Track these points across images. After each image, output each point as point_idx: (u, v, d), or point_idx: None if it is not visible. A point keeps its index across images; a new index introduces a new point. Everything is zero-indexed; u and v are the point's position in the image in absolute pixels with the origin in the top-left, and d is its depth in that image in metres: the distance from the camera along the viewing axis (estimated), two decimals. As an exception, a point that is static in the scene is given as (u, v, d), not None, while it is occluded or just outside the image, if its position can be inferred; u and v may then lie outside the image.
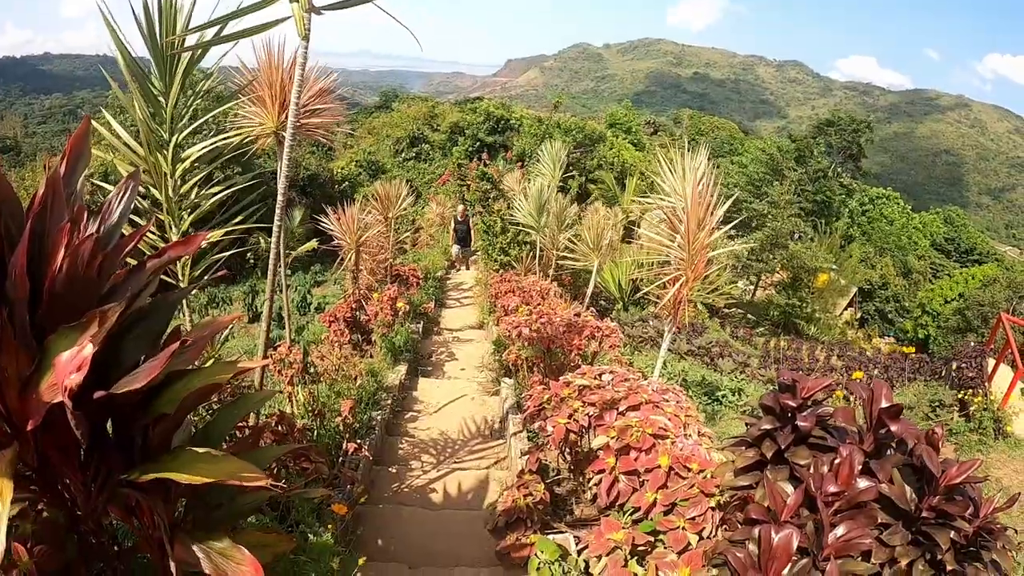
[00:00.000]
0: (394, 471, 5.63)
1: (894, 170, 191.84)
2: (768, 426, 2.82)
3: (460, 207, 17.86)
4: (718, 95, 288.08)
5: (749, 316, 31.16)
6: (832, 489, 2.40)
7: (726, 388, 10.19)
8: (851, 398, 7.70)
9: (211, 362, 4.66)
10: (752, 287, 35.14)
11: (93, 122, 3.77)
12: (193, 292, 18.47)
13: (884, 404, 2.58)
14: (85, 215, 2.12)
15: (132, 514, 2.18)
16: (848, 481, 2.42)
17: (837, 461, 2.49)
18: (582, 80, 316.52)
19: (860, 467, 2.49)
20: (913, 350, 22.23)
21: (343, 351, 7.18)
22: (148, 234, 4.73)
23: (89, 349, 1.71)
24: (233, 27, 3.90)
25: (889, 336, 43.12)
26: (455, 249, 17.99)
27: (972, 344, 17.70)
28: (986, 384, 12.66)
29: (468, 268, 18.22)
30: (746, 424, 3.03)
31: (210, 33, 4.16)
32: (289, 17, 3.82)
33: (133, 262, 2.35)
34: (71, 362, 1.70)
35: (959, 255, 57.32)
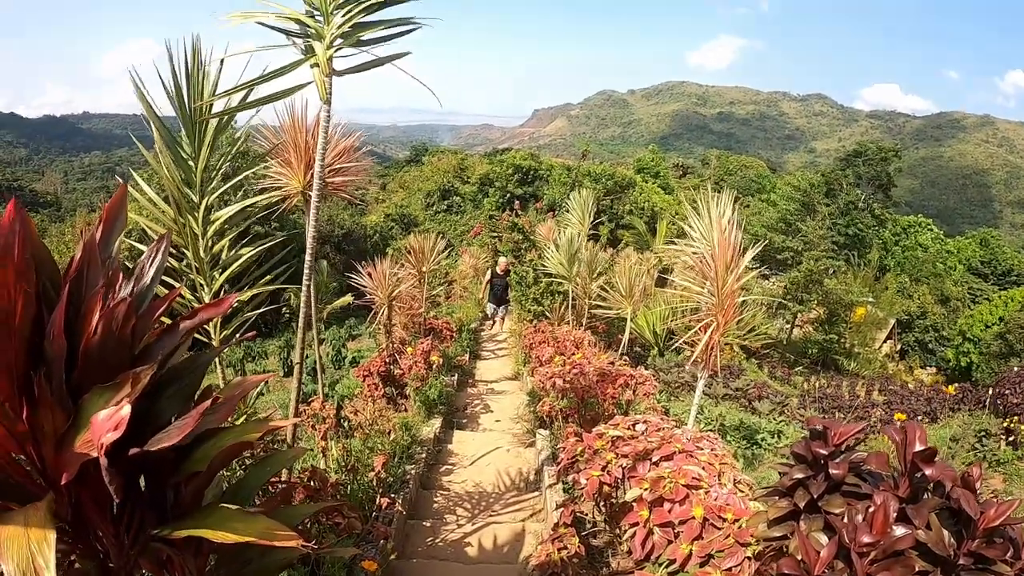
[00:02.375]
0: (428, 525, 5.60)
1: (925, 196, 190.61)
2: (800, 475, 2.77)
3: (501, 260, 16.28)
4: (744, 133, 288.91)
5: (787, 355, 30.78)
6: (866, 539, 2.34)
7: (765, 431, 10.03)
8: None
9: (243, 418, 4.70)
10: (789, 326, 34.74)
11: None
12: (230, 347, 18.71)
13: (918, 447, 2.53)
14: (120, 277, 2.18)
15: (163, 568, 2.19)
16: (883, 529, 2.37)
17: (871, 509, 2.44)
18: (608, 127, 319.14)
19: (895, 514, 2.43)
20: (941, 379, 21.74)
21: (377, 405, 7.19)
22: (181, 295, 4.81)
23: (127, 409, 1.75)
24: (258, 92, 4.02)
25: (931, 366, 42.27)
26: (490, 308, 16.50)
27: (1016, 369, 17.32)
28: (1033, 410, 12.34)
29: (503, 324, 16.71)
30: (779, 473, 2.98)
31: (236, 98, 4.28)
32: (311, 82, 3.93)
33: (167, 321, 2.41)
34: (108, 421, 1.74)
35: (997, 278, 56.17)
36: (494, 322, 16.95)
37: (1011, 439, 10.98)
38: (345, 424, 6.92)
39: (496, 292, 16.09)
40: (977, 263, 57.35)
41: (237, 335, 5.08)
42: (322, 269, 23.74)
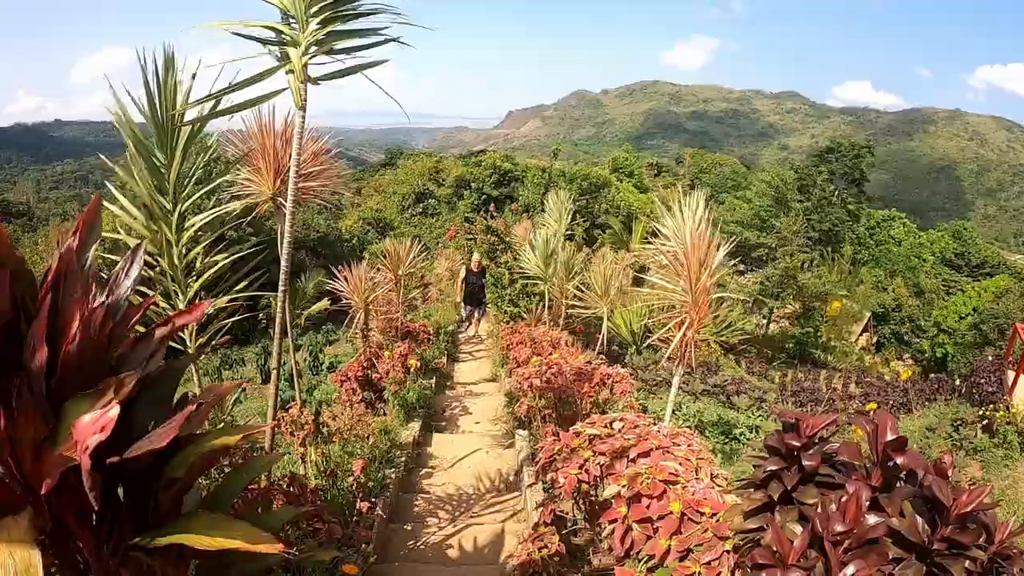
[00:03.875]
0: (409, 528, 5.60)
1: (897, 190, 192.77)
2: (774, 467, 2.80)
3: (475, 256, 15.48)
4: (718, 131, 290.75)
5: (764, 350, 30.97)
6: (839, 528, 2.38)
7: (743, 426, 10.11)
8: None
9: (221, 426, 4.68)
10: (765, 321, 34.96)
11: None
12: (206, 355, 18.51)
13: (889, 437, 2.57)
14: (94, 287, 2.18)
15: (145, 577, 2.19)
16: (856, 518, 2.40)
17: (844, 498, 2.47)
18: (583, 127, 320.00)
19: (868, 503, 2.46)
20: (909, 373, 21.99)
21: (355, 410, 7.16)
22: (156, 303, 4.79)
23: (115, 411, 1.76)
24: (233, 98, 4.03)
25: (907, 357, 42.73)
26: (465, 310, 15.61)
27: (990, 358, 17.58)
28: (1007, 397, 12.54)
29: (478, 326, 15.96)
30: (753, 466, 3.01)
31: (210, 105, 4.27)
32: (286, 88, 3.95)
33: (142, 330, 2.41)
34: (95, 423, 1.74)
35: (970, 270, 56.86)
36: (469, 323, 16.10)
37: (987, 427, 11.14)
38: (324, 430, 6.90)
39: (472, 291, 15.26)
40: (951, 255, 58.01)
41: (213, 342, 5.06)
42: (311, 279, 23.28)
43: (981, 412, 11.66)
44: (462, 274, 15.42)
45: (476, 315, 15.73)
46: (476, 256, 15.46)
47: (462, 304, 15.67)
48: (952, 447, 10.69)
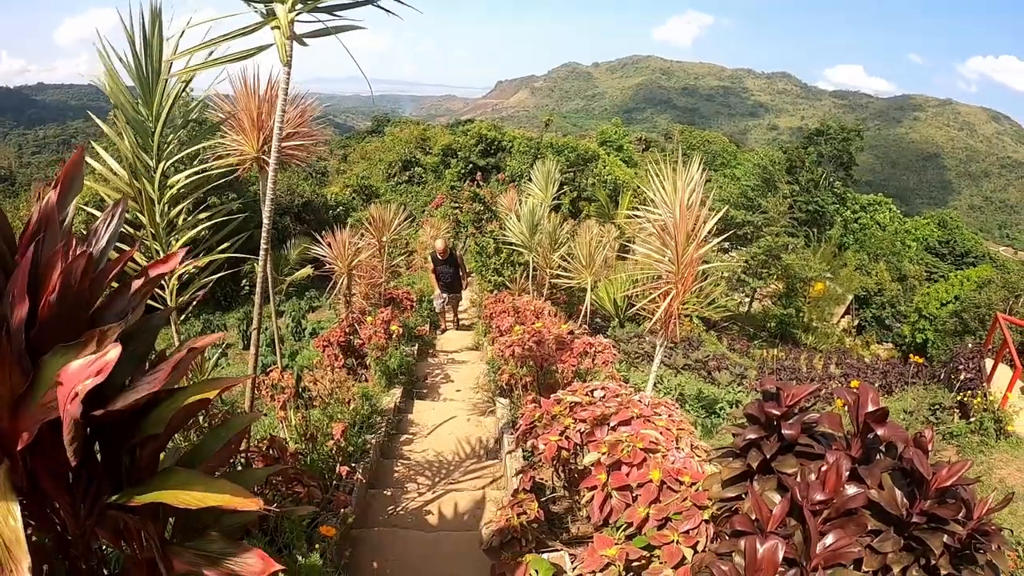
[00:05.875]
0: (389, 494, 5.60)
1: (885, 176, 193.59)
2: (753, 436, 2.80)
3: (439, 243, 13.36)
4: (708, 109, 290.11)
5: (746, 328, 31.16)
6: (819, 497, 2.38)
7: (724, 401, 10.16)
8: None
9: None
10: (748, 299, 35.12)
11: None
12: (188, 320, 18.43)
13: (870, 408, 2.57)
14: (74, 241, 2.14)
15: (121, 536, 2.17)
16: (835, 488, 2.40)
17: (824, 468, 2.47)
18: (572, 99, 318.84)
19: (848, 474, 2.46)
20: (897, 354, 22.19)
21: (337, 375, 7.15)
22: (137, 261, 4.75)
23: (115, 351, 1.72)
24: (220, 51, 3.98)
25: (887, 342, 43.04)
26: (437, 303, 13.61)
27: (970, 346, 17.76)
28: (985, 385, 12.69)
29: (456, 326, 14.14)
30: (733, 434, 3.01)
31: (195, 61, 4.21)
32: (272, 44, 3.89)
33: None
34: (88, 367, 1.70)
35: (954, 258, 57.21)
36: (443, 323, 14.06)
37: (965, 413, 11.27)
38: (305, 395, 6.88)
39: (444, 281, 13.26)
40: (935, 243, 58.32)
41: (193, 302, 5.02)
42: (293, 247, 23.01)
43: (959, 398, 11.79)
44: (430, 264, 13.50)
45: (448, 305, 13.81)
46: (439, 243, 13.42)
47: (437, 296, 13.68)
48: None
